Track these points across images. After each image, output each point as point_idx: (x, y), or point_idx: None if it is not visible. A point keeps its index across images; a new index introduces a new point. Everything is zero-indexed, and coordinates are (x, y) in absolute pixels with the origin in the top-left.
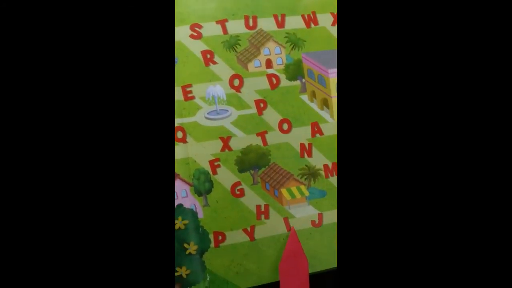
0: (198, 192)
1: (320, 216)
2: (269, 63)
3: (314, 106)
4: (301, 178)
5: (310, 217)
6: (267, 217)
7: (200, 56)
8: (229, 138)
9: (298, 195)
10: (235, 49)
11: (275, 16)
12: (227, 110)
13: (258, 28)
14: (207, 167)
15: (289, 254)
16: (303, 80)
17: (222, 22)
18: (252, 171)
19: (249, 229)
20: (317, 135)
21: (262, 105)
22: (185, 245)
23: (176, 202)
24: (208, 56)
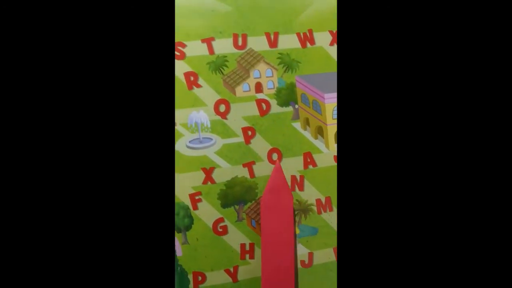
0: (177, 228)
1: (311, 255)
2: (259, 87)
3: (308, 134)
4: None
5: (300, 256)
6: (252, 256)
7: (182, 78)
8: (212, 169)
9: None
10: (221, 71)
11: (267, 35)
12: (211, 139)
13: (247, 47)
14: (187, 201)
15: (273, 189)
16: (296, 106)
17: (208, 41)
18: (236, 206)
19: (232, 269)
20: (310, 166)
21: (250, 133)
22: None
23: None
24: (192, 78)
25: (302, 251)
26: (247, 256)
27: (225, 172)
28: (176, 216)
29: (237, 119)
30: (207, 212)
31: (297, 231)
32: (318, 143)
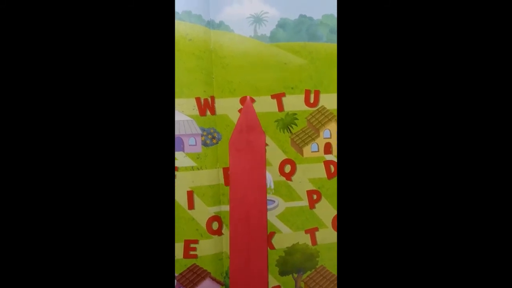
0: None
1: None
2: (328, 148)
3: None
4: None
5: None
6: None
7: None
8: (272, 234)
9: None
10: (290, 130)
11: None
12: (273, 201)
13: (319, 105)
14: None
15: (242, 128)
16: None
17: (279, 97)
18: (295, 275)
19: None
20: None
21: (315, 196)
22: None
23: None
24: None
25: None
26: None
27: (286, 237)
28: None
29: (302, 181)
30: None
31: None
32: None
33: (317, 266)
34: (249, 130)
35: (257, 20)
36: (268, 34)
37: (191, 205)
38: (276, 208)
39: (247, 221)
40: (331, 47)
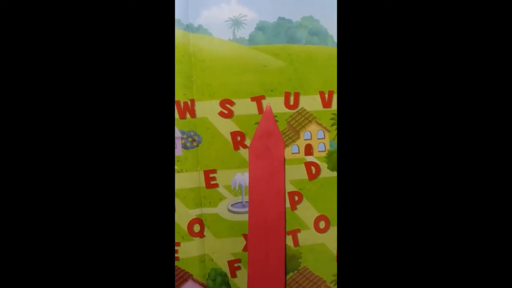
0: None
1: None
2: (309, 149)
3: None
4: (334, 286)
5: None
6: None
7: (229, 137)
8: None
9: None
10: None
11: (321, 94)
12: None
13: (299, 107)
14: (225, 268)
15: (263, 134)
16: None
17: (258, 99)
18: None
19: None
20: None
21: (296, 198)
22: None
23: None
24: (239, 138)
25: None
26: None
27: None
28: (212, 282)
29: None
30: (246, 281)
31: None
32: None
33: (299, 268)
34: (268, 136)
35: (236, 23)
36: (247, 37)
37: None
38: None
39: (265, 224)
40: (311, 49)
